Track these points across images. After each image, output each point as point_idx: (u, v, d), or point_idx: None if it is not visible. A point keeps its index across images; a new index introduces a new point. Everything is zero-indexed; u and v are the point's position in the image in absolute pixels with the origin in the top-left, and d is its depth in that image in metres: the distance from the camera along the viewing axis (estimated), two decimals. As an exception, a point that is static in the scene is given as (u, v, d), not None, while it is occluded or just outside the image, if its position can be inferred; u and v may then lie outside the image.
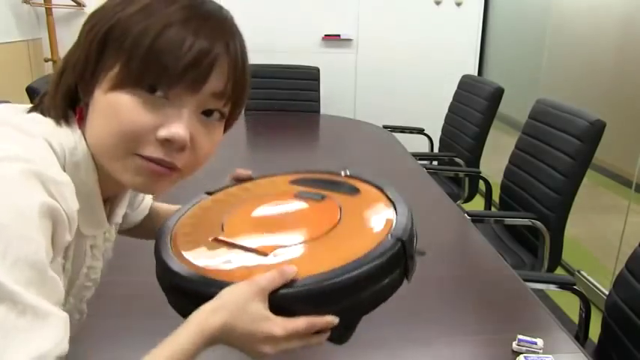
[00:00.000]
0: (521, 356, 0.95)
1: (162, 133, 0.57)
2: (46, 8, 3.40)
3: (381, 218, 0.69)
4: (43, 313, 0.48)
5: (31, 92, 2.12)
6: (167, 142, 0.57)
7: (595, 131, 1.71)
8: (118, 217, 0.73)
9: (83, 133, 0.61)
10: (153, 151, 0.58)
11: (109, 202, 0.69)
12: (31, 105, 0.63)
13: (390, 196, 0.74)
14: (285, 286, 0.57)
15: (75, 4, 3.41)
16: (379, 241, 0.62)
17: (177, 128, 0.57)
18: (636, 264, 1.23)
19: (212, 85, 0.59)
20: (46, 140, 0.56)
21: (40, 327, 0.47)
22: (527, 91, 3.27)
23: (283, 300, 0.57)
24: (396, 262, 0.62)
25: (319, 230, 0.66)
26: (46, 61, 3.49)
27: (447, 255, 1.47)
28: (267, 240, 0.66)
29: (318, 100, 3.37)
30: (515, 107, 3.21)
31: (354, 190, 0.77)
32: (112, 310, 1.00)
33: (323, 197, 0.75)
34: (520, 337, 0.98)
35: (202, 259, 0.64)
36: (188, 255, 0.65)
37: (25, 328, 0.46)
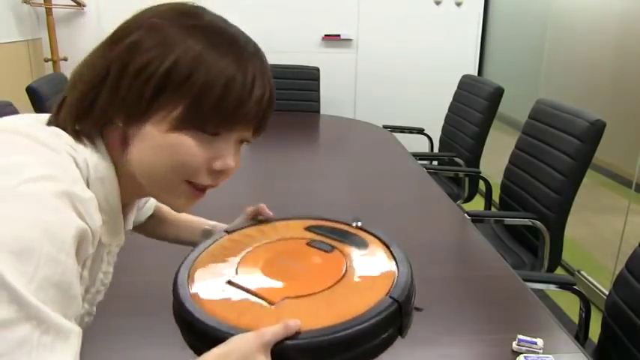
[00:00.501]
0: (521, 356, 0.95)
1: (219, 166, 0.64)
2: (46, 8, 3.40)
3: (382, 277, 0.74)
4: (65, 331, 0.50)
5: (31, 92, 2.12)
6: (219, 172, 0.65)
7: (595, 131, 1.71)
8: (130, 223, 0.76)
9: (121, 155, 0.63)
10: (205, 180, 0.65)
11: (123, 210, 0.70)
12: (47, 115, 0.65)
13: (395, 254, 0.79)
14: (288, 338, 0.61)
15: (75, 4, 3.41)
16: (377, 300, 0.67)
17: (230, 161, 0.65)
18: (636, 264, 1.23)
19: None
20: (71, 155, 0.58)
21: (62, 346, 0.50)
22: (527, 91, 3.28)
23: (284, 351, 0.61)
24: (391, 321, 0.67)
25: (324, 283, 0.72)
26: (46, 61, 3.49)
27: (447, 255, 1.47)
28: (275, 287, 0.71)
29: (318, 100, 3.38)
30: (515, 107, 3.21)
31: (363, 244, 0.83)
32: (115, 310, 0.99)
33: (333, 248, 0.81)
34: (520, 337, 0.98)
35: (215, 300, 0.68)
36: (203, 294, 0.69)
37: (47, 346, 0.48)
